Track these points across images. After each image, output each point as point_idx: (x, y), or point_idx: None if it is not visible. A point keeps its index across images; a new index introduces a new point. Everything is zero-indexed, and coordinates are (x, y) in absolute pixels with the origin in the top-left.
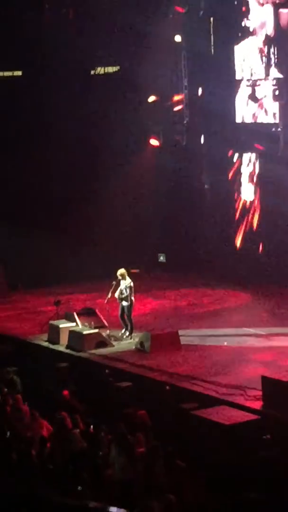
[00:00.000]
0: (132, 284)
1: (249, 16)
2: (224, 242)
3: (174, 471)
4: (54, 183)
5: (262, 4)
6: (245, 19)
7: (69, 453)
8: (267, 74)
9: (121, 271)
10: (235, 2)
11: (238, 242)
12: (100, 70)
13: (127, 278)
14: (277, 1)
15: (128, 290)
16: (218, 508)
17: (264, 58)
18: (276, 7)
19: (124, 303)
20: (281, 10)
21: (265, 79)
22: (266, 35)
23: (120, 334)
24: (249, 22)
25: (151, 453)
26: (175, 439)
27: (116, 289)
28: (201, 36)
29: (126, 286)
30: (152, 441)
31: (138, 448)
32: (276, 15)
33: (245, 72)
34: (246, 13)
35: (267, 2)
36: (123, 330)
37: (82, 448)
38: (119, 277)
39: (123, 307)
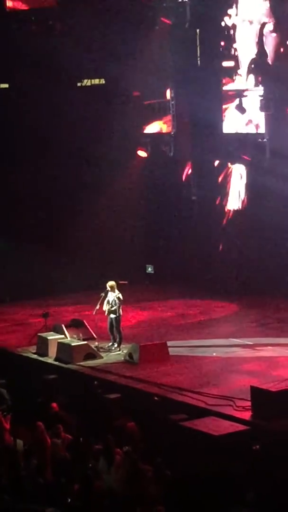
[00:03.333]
0: (121, 296)
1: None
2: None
3: (162, 482)
4: (41, 194)
5: (250, 22)
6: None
7: (49, 464)
8: (254, 85)
9: (111, 283)
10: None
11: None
12: (87, 82)
13: (116, 290)
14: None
15: (117, 302)
16: None
17: (251, 69)
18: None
19: (112, 316)
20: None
21: (252, 90)
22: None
23: (107, 346)
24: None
25: (138, 465)
26: (164, 450)
27: (104, 301)
28: (187, 47)
29: (114, 298)
30: (138, 455)
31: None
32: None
33: (232, 82)
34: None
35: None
36: (110, 343)
37: (64, 459)
38: (108, 289)
39: (111, 320)
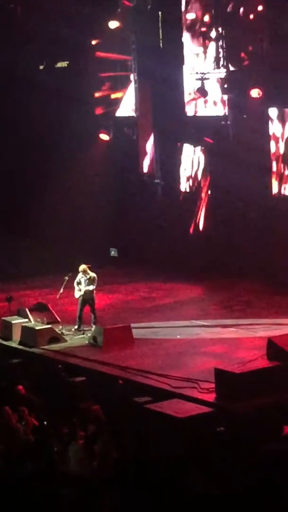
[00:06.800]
0: (95, 277)
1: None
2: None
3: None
4: (4, 179)
5: None
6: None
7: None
8: (216, 67)
9: (82, 266)
10: None
11: (197, 237)
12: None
13: (90, 272)
14: None
15: (94, 283)
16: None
17: (213, 51)
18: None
19: (90, 297)
20: None
21: (214, 72)
22: (216, 30)
23: (73, 330)
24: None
25: (105, 447)
26: (129, 433)
27: (68, 284)
28: (149, 30)
29: (89, 280)
30: (106, 435)
31: (91, 443)
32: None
33: (194, 65)
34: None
35: None
36: (76, 327)
37: (27, 442)
38: (80, 273)
39: (87, 302)
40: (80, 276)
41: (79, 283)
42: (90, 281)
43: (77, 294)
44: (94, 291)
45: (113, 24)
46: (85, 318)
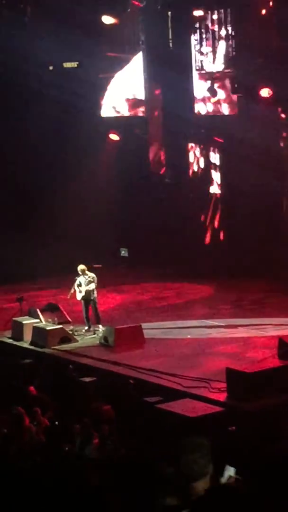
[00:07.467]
0: (95, 277)
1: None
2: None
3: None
4: (16, 179)
5: None
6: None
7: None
8: (225, 67)
9: (81, 266)
10: None
11: (207, 237)
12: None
13: (88, 272)
14: None
15: (92, 284)
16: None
17: (222, 50)
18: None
19: (91, 297)
20: None
21: (224, 72)
22: (225, 28)
23: (84, 331)
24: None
25: (114, 446)
26: (140, 433)
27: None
28: (159, 30)
29: (88, 280)
30: (115, 435)
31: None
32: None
33: (204, 65)
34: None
35: None
36: (86, 328)
37: (39, 442)
38: (80, 273)
39: (90, 303)
40: (79, 277)
41: (79, 285)
42: (90, 280)
43: (79, 296)
44: (95, 290)
45: (107, 20)
46: (91, 318)
